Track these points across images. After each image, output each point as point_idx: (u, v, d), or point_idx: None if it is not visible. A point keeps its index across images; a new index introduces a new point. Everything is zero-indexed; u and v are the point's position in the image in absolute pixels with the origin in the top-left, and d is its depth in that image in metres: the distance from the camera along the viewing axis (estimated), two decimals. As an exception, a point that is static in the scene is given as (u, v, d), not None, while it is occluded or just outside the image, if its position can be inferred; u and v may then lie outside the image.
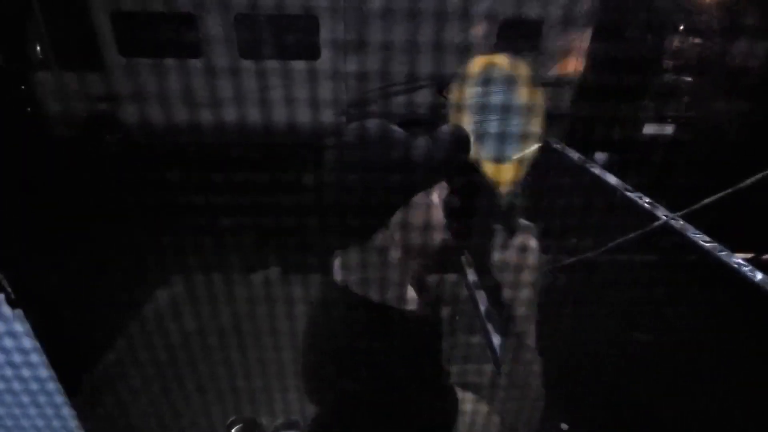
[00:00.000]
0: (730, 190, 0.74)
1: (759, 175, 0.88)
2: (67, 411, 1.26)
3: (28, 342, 1.03)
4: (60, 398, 1.24)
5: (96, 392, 2.07)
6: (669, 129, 3.47)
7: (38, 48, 5.13)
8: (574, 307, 1.69)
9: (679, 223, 0.91)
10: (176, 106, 5.25)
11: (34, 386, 1.12)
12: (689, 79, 7.01)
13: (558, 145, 1.63)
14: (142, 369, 2.20)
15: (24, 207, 3.54)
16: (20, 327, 0.98)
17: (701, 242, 0.85)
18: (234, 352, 2.25)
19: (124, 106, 5.34)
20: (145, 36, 5.03)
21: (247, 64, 5.21)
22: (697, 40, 7.42)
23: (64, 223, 3.48)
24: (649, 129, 3.54)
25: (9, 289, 0.94)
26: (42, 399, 1.16)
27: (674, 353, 1.32)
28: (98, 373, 2.19)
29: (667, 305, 1.32)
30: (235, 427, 1.88)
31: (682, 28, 7.42)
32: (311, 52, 5.26)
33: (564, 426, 1.71)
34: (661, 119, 3.56)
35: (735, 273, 0.77)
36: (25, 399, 1.17)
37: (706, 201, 0.71)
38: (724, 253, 0.81)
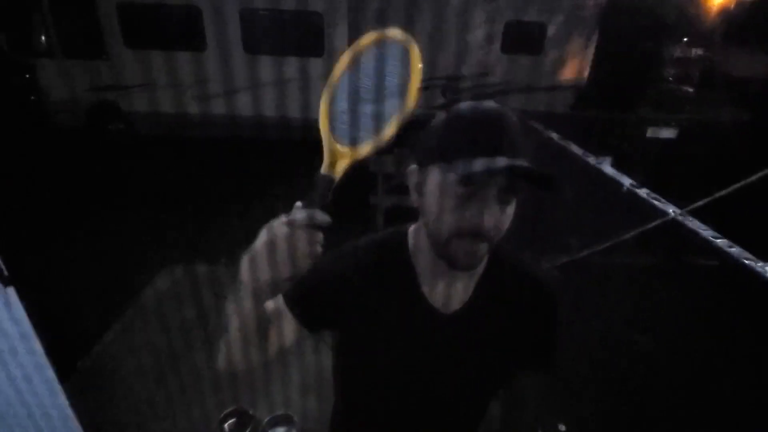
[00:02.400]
0: (737, 186, 0.73)
1: (762, 173, 0.87)
2: (60, 393, 1.25)
3: (22, 322, 1.02)
4: (53, 381, 1.23)
5: (90, 377, 2.06)
6: (672, 133, 3.47)
7: (43, 37, 5.12)
8: (573, 307, 1.67)
9: (687, 219, 0.90)
10: (179, 98, 5.25)
11: (26, 367, 1.11)
12: (690, 89, 7.06)
13: (563, 142, 1.62)
14: (136, 357, 2.18)
15: (25, 193, 3.53)
16: (13, 305, 0.96)
17: (710, 237, 0.83)
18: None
19: (127, 96, 5.33)
20: (151, 28, 5.03)
21: (251, 58, 5.21)
22: (700, 51, 7.47)
23: (64, 210, 3.47)
24: (652, 132, 3.54)
25: (2, 266, 0.91)
26: (34, 381, 1.14)
27: (675, 355, 1.30)
28: (92, 359, 2.17)
29: (669, 305, 1.31)
30: (230, 420, 1.87)
31: (685, 39, 7.47)
32: (315, 49, 5.26)
33: (562, 427, 1.69)
34: (664, 123, 3.57)
35: (745, 268, 0.75)
36: (17, 380, 1.16)
37: (712, 197, 0.70)
38: (734, 249, 0.80)
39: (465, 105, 0.62)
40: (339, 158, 0.57)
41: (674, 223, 0.90)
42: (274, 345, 0.68)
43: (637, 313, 1.52)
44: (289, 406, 1.89)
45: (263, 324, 0.63)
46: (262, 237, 0.53)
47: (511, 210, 0.61)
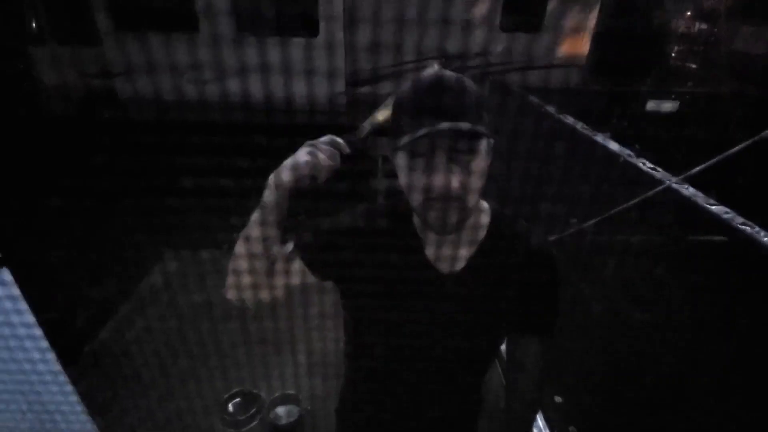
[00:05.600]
0: (729, 152, 0.72)
1: (750, 141, 0.86)
2: (63, 377, 1.26)
3: (19, 304, 1.02)
4: (55, 365, 1.24)
5: (95, 361, 2.09)
6: (673, 105, 3.44)
7: (34, 23, 5.04)
8: (572, 281, 1.68)
9: (682, 187, 0.90)
10: (173, 82, 5.19)
11: (27, 351, 1.11)
12: (694, 65, 6.96)
13: (563, 116, 1.61)
14: (141, 340, 2.21)
15: (20, 182, 3.52)
16: (9, 287, 0.96)
17: (705, 204, 0.83)
18: (234, 327, 2.26)
19: (121, 81, 5.28)
20: (141, 9, 4.95)
21: (245, 39, 5.13)
22: (703, 25, 7.33)
23: (60, 198, 3.47)
24: (652, 105, 3.50)
25: (-4, 247, 0.92)
26: (36, 364, 1.15)
27: (673, 331, 1.31)
28: (96, 344, 2.20)
29: (669, 281, 1.31)
30: (234, 400, 1.90)
31: (689, 13, 7.32)
32: (310, 29, 5.17)
33: (558, 398, 1.73)
34: (664, 96, 3.54)
35: (739, 233, 0.75)
36: (20, 363, 1.17)
37: (707, 164, 0.70)
38: (729, 214, 0.79)
39: (407, 83, 0.66)
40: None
41: (671, 192, 0.90)
42: (279, 279, 0.75)
43: (637, 290, 1.53)
44: (294, 385, 1.92)
45: (270, 253, 0.72)
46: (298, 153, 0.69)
47: (477, 166, 0.63)
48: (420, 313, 0.75)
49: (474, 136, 0.61)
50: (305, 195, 0.70)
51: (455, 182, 0.62)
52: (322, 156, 0.69)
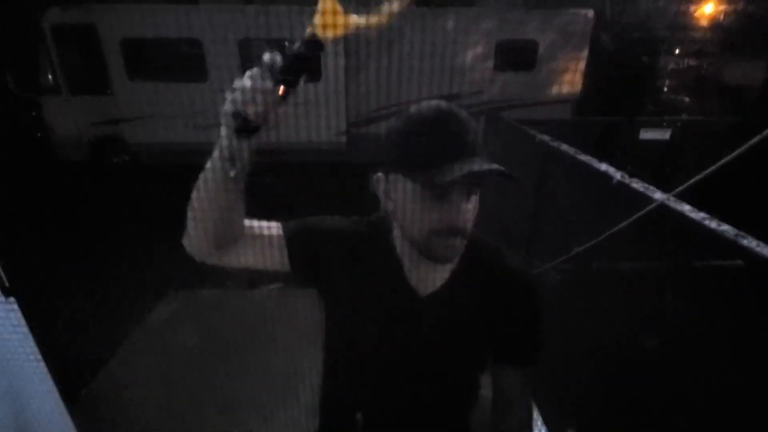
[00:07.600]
0: (719, 164, 0.74)
1: (739, 150, 0.88)
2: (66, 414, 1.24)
3: (25, 334, 1.02)
4: (57, 397, 1.22)
5: (94, 403, 2.04)
6: (666, 134, 3.53)
7: (49, 74, 5.29)
8: (579, 311, 1.66)
9: (676, 203, 0.91)
10: (182, 128, 5.36)
11: (31, 382, 1.09)
12: (687, 99, 7.15)
13: (554, 144, 1.65)
14: (141, 381, 2.16)
15: (32, 222, 3.58)
16: (15, 317, 0.96)
17: (698, 218, 0.84)
18: (234, 367, 2.21)
19: (131, 129, 5.46)
20: (154, 61, 5.19)
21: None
22: (693, 61, 7.60)
23: (70, 238, 3.51)
24: (646, 134, 3.60)
25: (3, 276, 0.92)
26: (38, 395, 1.13)
27: (686, 360, 1.28)
28: (96, 385, 2.15)
29: (679, 308, 1.29)
30: (233, 444, 1.83)
31: (678, 51, 7.62)
32: (313, 76, 5.38)
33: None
34: (657, 125, 3.64)
35: (735, 245, 0.75)
36: (21, 393, 1.15)
37: (698, 177, 0.71)
38: (724, 227, 0.80)
39: (415, 109, 0.65)
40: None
41: (664, 208, 0.91)
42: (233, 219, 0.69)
43: (648, 318, 1.50)
44: (292, 429, 1.85)
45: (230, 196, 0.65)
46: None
47: (476, 200, 0.65)
48: (397, 333, 0.73)
49: (504, 177, 0.62)
50: (250, 129, 0.60)
51: (468, 217, 0.64)
52: (250, 83, 0.56)
